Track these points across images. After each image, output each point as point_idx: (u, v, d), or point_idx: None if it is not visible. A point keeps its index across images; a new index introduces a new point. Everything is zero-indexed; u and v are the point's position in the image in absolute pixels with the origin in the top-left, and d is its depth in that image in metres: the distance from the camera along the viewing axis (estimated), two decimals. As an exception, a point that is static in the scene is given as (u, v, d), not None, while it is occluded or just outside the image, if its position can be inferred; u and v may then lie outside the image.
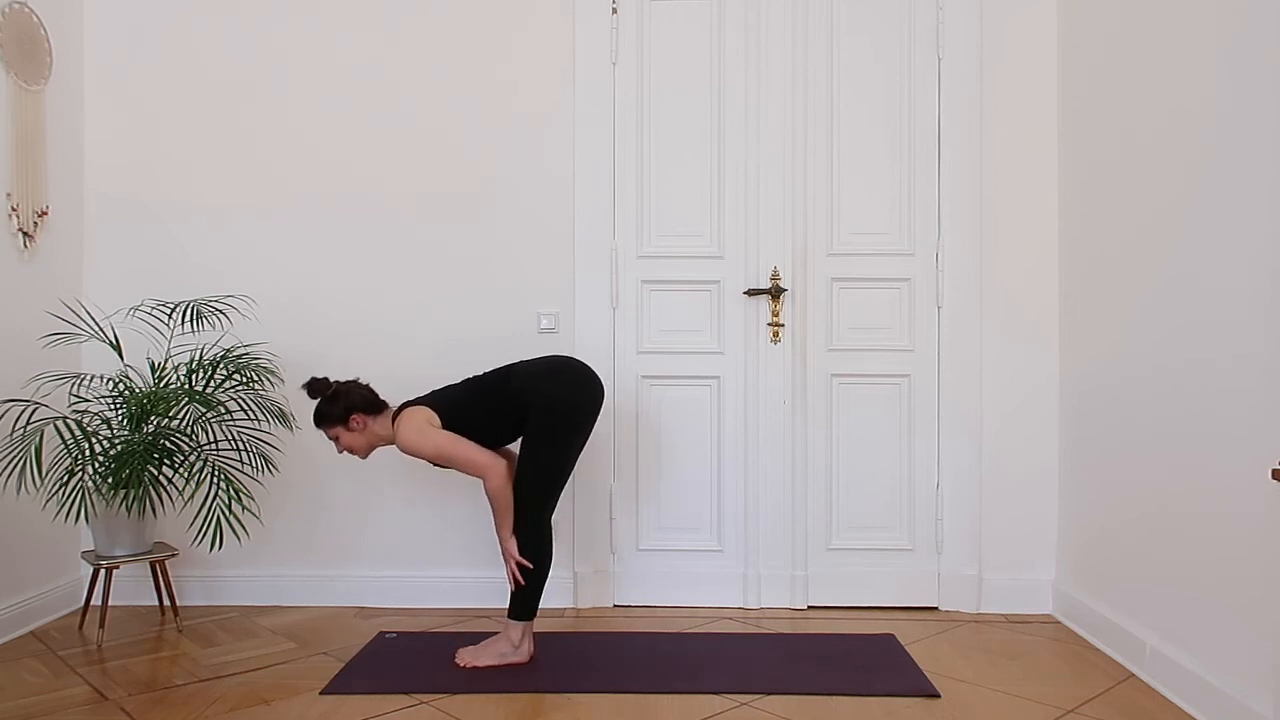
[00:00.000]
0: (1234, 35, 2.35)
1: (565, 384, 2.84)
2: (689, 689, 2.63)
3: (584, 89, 3.44)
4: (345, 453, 2.94)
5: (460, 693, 2.61)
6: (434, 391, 2.92)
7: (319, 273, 3.49)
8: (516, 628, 2.80)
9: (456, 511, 3.43)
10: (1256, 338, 2.24)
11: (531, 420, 2.77)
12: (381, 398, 2.93)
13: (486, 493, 2.77)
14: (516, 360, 2.98)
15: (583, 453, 3.38)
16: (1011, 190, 3.39)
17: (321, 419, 2.89)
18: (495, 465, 2.74)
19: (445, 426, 2.79)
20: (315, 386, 2.92)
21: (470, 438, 2.79)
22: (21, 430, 2.86)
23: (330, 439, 2.93)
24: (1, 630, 3.05)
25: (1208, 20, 2.45)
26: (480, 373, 2.96)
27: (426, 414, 2.80)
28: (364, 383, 2.94)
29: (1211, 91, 2.43)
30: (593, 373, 2.91)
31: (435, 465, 2.88)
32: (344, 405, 2.86)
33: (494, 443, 2.84)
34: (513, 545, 2.76)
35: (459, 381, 2.94)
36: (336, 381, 2.93)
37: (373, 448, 2.93)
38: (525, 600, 2.78)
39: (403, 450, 2.82)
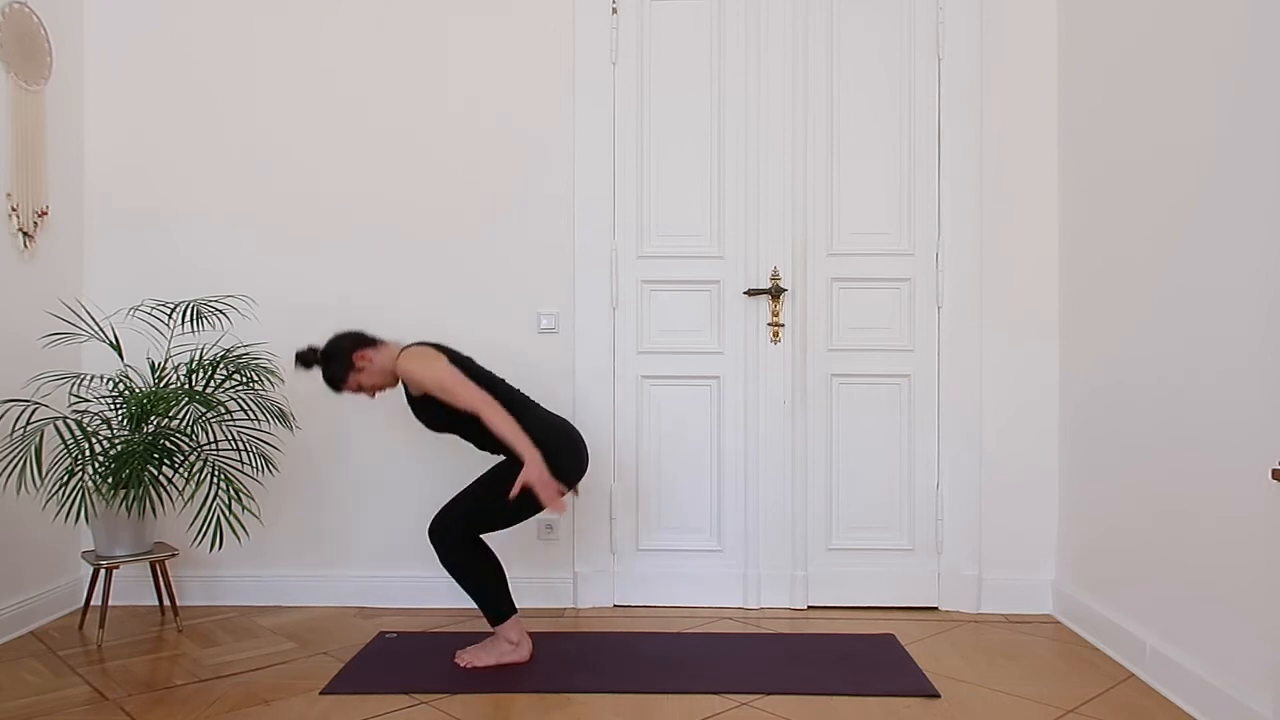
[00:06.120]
0: (1241, 33, 2.34)
1: (570, 457, 2.79)
2: (689, 689, 2.63)
3: (584, 89, 3.44)
4: (377, 394, 2.91)
5: (460, 693, 2.61)
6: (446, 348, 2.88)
7: (319, 273, 3.49)
8: (506, 628, 2.80)
9: (456, 511, 3.43)
10: (1256, 338, 2.23)
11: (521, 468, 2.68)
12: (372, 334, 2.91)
13: (490, 425, 2.67)
14: (510, 372, 2.98)
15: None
16: (1011, 190, 3.39)
17: (334, 382, 2.85)
18: (495, 401, 2.69)
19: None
20: (305, 358, 2.88)
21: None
22: (21, 430, 2.87)
23: (356, 393, 2.89)
24: (1, 630, 3.06)
25: (1214, 17, 2.45)
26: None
27: (432, 350, 2.79)
28: (345, 330, 2.91)
29: (1217, 92, 2.43)
30: (587, 450, 2.88)
31: (430, 428, 2.87)
32: (343, 356, 2.82)
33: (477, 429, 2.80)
34: (536, 469, 2.63)
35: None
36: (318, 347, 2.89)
37: (380, 386, 2.87)
38: (487, 603, 2.78)
39: (403, 378, 2.79)
